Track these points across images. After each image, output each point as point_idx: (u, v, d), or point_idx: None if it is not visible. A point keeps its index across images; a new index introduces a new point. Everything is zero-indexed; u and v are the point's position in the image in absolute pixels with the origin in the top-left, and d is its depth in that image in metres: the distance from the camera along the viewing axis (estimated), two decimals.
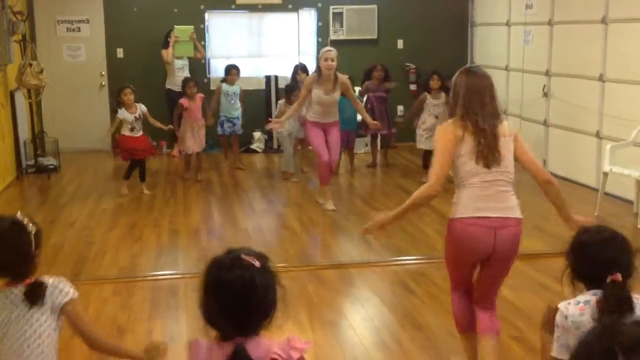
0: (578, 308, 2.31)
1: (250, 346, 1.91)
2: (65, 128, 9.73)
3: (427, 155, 7.21)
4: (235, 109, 9.05)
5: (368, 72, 8.91)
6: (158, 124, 8.04)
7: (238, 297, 1.91)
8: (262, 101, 10.03)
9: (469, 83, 3.39)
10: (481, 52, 10.37)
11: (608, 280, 2.27)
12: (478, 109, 3.32)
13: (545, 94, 8.42)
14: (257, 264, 1.93)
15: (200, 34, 10.04)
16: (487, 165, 3.29)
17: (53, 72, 9.27)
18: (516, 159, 3.38)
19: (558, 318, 2.35)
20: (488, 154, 3.29)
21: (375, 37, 10.23)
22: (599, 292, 2.29)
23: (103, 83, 10.16)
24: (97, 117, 10.07)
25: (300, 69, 8.96)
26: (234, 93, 9.05)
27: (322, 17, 10.43)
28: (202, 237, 6.23)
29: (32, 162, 8.78)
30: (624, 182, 6.73)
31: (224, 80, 9.11)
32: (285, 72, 10.35)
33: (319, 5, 10.37)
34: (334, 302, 4.66)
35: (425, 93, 8.08)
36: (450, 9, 10.37)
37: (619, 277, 2.27)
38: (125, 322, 4.40)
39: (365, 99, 8.74)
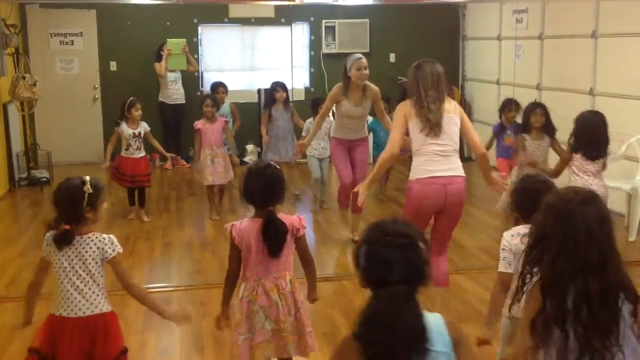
0: (517, 239, 3.00)
1: (274, 213, 3.11)
2: (58, 141, 9.73)
3: None
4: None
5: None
6: (159, 148, 7.32)
7: (269, 183, 3.15)
8: (254, 114, 10.05)
9: (418, 74, 4.21)
10: (473, 66, 10.45)
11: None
12: (425, 93, 4.14)
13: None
14: (276, 168, 3.21)
15: (193, 47, 10.08)
16: (435, 136, 4.12)
17: (46, 85, 9.29)
18: (462, 134, 4.27)
19: (504, 243, 3.08)
20: (434, 127, 4.12)
21: (367, 50, 10.29)
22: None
23: (96, 96, 10.18)
24: (90, 130, 10.09)
25: (279, 86, 7.89)
26: (224, 114, 7.97)
27: (314, 31, 10.50)
28: (196, 250, 6.23)
29: (24, 174, 8.78)
30: (615, 196, 6.78)
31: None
32: None
33: (312, 19, 10.44)
34: (327, 314, 4.66)
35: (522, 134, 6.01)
36: (442, 23, 10.46)
37: None
38: None
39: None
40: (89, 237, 3.05)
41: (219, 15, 10.23)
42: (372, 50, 10.43)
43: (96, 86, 10.16)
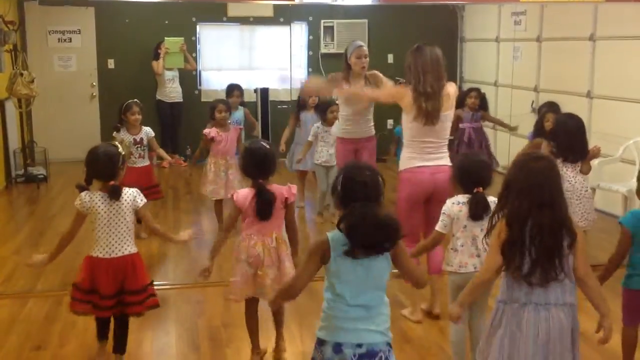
0: (457, 207, 3.61)
1: (268, 186, 3.67)
2: (55, 138, 9.71)
3: None
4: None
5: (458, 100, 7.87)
6: (164, 155, 6.64)
7: (260, 160, 3.71)
8: (252, 114, 10.04)
9: (417, 57, 4.35)
10: (470, 68, 10.47)
11: (475, 190, 3.55)
12: (423, 77, 4.27)
13: (534, 110, 8.49)
14: (268, 146, 3.78)
15: (191, 46, 10.08)
16: (430, 125, 4.29)
17: (44, 82, 9.25)
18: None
19: (444, 208, 3.64)
20: (430, 116, 4.27)
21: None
22: (468, 196, 3.58)
23: (94, 94, 10.17)
24: (87, 128, 10.07)
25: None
26: (238, 120, 7.31)
27: (313, 31, 10.50)
28: (192, 248, 6.21)
29: (21, 171, 8.77)
30: (612, 198, 6.81)
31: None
32: (276, 85, 10.42)
33: (310, 19, 10.44)
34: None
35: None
36: (440, 25, 10.46)
37: (481, 190, 3.56)
38: None
39: (461, 132, 7.41)
40: (123, 191, 3.68)
41: (218, 14, 10.23)
42: (371, 50, 10.28)
43: (94, 84, 10.15)
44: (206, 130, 6.32)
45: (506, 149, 8.01)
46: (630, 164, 6.70)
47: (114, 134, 6.21)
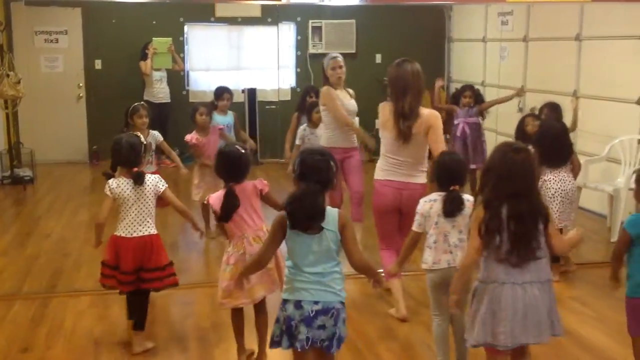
0: (429, 204, 3.66)
1: (236, 187, 3.71)
2: (42, 139, 9.67)
3: None
4: None
5: (453, 97, 7.78)
6: (177, 160, 6.27)
7: (229, 162, 3.75)
8: (240, 115, 10.04)
9: (399, 73, 4.40)
10: (458, 68, 10.51)
11: (450, 188, 3.59)
12: (402, 94, 4.34)
13: (521, 110, 8.52)
14: (242, 150, 3.80)
15: (179, 46, 10.06)
16: (403, 143, 4.36)
17: (30, 83, 9.22)
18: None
19: (418, 207, 3.70)
20: (403, 134, 4.35)
21: (353, 51, 10.32)
22: (443, 194, 3.61)
23: (81, 95, 10.13)
24: (74, 129, 10.05)
25: (315, 92, 7.34)
26: (227, 125, 7.01)
27: (301, 31, 10.51)
28: (181, 249, 6.20)
29: (8, 173, 8.73)
30: (598, 197, 6.85)
31: (213, 109, 6.93)
32: (264, 85, 10.42)
33: (298, 19, 10.44)
34: None
35: None
36: (428, 25, 10.50)
37: (457, 187, 3.59)
38: (102, 334, 4.38)
39: (455, 127, 7.43)
40: (146, 176, 4.03)
41: (206, 14, 10.22)
42: (359, 50, 10.46)
43: (81, 85, 10.12)
44: (187, 137, 6.35)
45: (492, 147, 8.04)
46: (616, 163, 6.75)
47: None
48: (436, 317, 3.74)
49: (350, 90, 5.99)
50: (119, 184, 4.01)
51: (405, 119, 4.36)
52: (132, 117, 5.82)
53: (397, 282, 4.65)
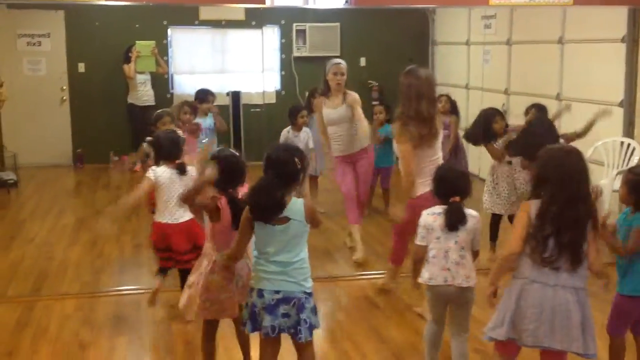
0: (432, 217, 3.56)
1: (235, 194, 3.53)
2: (25, 143, 9.61)
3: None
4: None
5: None
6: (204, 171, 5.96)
7: (229, 167, 3.52)
8: (225, 118, 10.02)
9: (412, 81, 4.39)
10: (442, 71, 10.54)
11: (451, 200, 3.51)
12: (418, 102, 4.34)
13: (505, 112, 8.58)
14: (237, 154, 3.63)
15: (163, 50, 10.02)
16: (429, 147, 4.42)
17: (13, 86, 9.16)
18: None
19: (420, 220, 3.59)
20: (429, 138, 4.40)
21: (338, 54, 10.31)
22: (444, 207, 3.53)
23: (64, 97, 10.07)
24: (57, 132, 9.98)
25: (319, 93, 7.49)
26: (210, 128, 7.02)
27: (285, 34, 10.51)
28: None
29: None
30: None
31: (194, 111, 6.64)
32: (249, 88, 10.42)
33: (282, 22, 10.44)
34: (325, 313, 4.66)
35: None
36: (412, 28, 10.53)
37: (457, 199, 3.52)
38: (88, 337, 4.35)
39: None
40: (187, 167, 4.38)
41: (189, 18, 10.18)
42: (343, 54, 10.42)
43: (64, 88, 10.05)
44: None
45: (476, 152, 8.10)
46: (599, 165, 6.80)
47: (144, 145, 5.58)
48: (430, 322, 3.72)
49: (351, 94, 5.84)
50: (163, 173, 4.37)
51: (425, 122, 4.37)
52: (155, 124, 5.71)
53: (394, 267, 5.01)
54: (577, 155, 3.07)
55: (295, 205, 3.18)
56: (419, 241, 3.61)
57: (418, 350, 4.12)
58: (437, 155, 4.53)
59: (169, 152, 4.42)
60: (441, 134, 4.56)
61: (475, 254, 3.60)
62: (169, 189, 4.37)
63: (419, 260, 3.64)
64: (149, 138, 5.37)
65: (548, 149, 3.13)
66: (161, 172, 4.38)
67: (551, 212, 2.97)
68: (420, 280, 3.62)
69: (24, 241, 6.45)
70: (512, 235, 3.13)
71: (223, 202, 3.49)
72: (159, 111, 5.97)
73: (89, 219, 7.22)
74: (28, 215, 7.44)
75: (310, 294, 3.25)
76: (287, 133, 6.91)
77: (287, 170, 3.17)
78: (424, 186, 4.32)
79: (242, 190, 3.59)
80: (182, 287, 4.28)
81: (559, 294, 3.00)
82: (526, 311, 3.03)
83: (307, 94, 7.62)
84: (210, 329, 3.68)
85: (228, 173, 3.55)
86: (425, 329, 3.75)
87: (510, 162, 5.78)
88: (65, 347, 4.22)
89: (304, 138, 6.85)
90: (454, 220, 3.49)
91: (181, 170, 4.39)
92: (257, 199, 3.15)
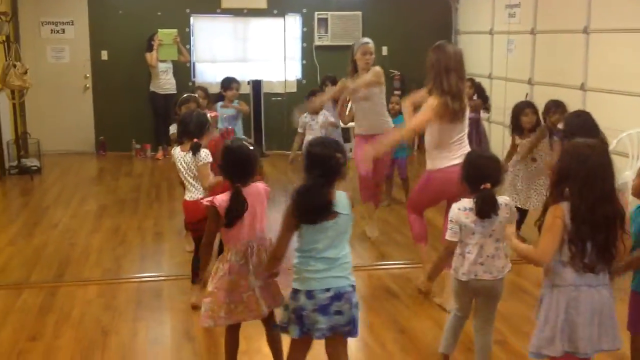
0: (464, 213, 3.38)
1: (251, 186, 3.39)
2: (49, 130, 9.71)
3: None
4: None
5: None
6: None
7: (240, 159, 3.40)
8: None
9: (440, 56, 4.39)
10: (465, 60, 10.45)
11: (482, 187, 3.32)
12: (447, 77, 4.32)
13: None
14: (251, 146, 3.46)
15: (185, 38, 10.05)
16: (457, 123, 4.38)
17: (37, 74, 9.23)
18: None
19: (451, 215, 3.43)
20: (457, 113, 4.35)
21: None
22: (473, 200, 3.33)
23: (87, 85, 10.13)
24: (80, 120, 10.07)
25: (330, 81, 7.59)
26: (232, 116, 7.30)
27: (307, 23, 10.48)
28: (186, 239, 6.21)
29: (15, 163, 8.74)
30: None
31: (218, 100, 7.08)
32: (270, 77, 10.42)
33: (304, 11, 10.42)
34: None
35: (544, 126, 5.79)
36: (434, 17, 10.46)
37: (488, 186, 3.32)
38: (110, 323, 4.39)
39: None
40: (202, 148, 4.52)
41: (211, 6, 10.20)
42: None
43: (87, 75, 10.12)
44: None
45: (500, 141, 8.04)
46: (623, 157, 6.72)
47: (170, 128, 5.84)
48: (457, 313, 3.62)
49: (375, 68, 5.81)
50: (176, 153, 4.57)
51: (454, 98, 4.33)
52: (180, 107, 5.69)
53: (424, 246, 4.86)
54: (602, 150, 2.94)
55: (341, 198, 3.09)
56: (449, 236, 3.45)
57: (437, 339, 4.10)
58: (465, 131, 4.53)
59: (193, 130, 4.52)
60: (467, 110, 4.52)
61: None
62: (184, 168, 4.54)
63: (448, 256, 3.52)
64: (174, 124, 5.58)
65: (572, 143, 3.01)
66: (174, 153, 4.60)
67: (581, 212, 2.82)
68: (454, 274, 3.51)
69: (47, 227, 6.52)
70: (541, 242, 2.90)
71: (218, 200, 3.32)
72: (184, 95, 6.00)
73: (111, 206, 7.29)
74: (51, 201, 7.51)
75: (354, 287, 3.16)
76: (304, 118, 6.95)
77: (330, 167, 3.05)
78: (447, 160, 4.41)
79: (255, 184, 3.42)
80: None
81: (602, 293, 2.92)
82: (578, 319, 2.89)
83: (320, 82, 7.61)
84: (232, 328, 3.53)
85: (237, 164, 3.40)
86: (449, 318, 3.67)
87: (534, 159, 5.74)
88: (88, 333, 4.26)
89: (322, 120, 6.88)
90: (486, 209, 3.34)
91: (195, 149, 4.46)
92: (304, 201, 3.02)
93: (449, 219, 3.48)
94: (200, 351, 4.06)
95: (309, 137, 6.81)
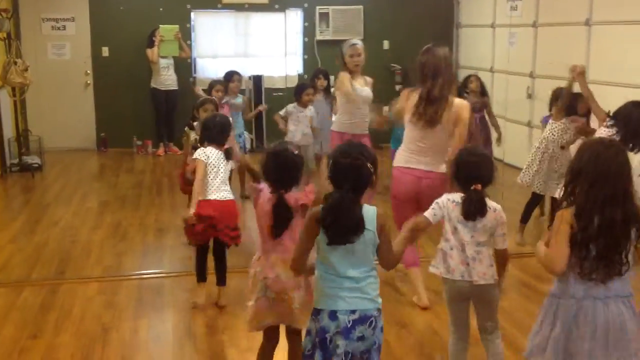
0: (452, 205, 3.27)
1: (286, 196, 3.19)
2: (50, 127, 9.70)
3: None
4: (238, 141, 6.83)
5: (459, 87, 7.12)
6: (250, 166, 4.67)
7: (284, 164, 3.20)
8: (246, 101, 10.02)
9: (428, 59, 4.30)
10: (466, 54, 10.43)
11: (472, 187, 3.19)
12: (431, 81, 4.23)
13: (530, 96, 8.48)
14: (296, 151, 3.26)
15: (186, 33, 10.03)
16: (424, 128, 4.25)
17: (38, 71, 9.23)
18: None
19: (438, 199, 3.30)
20: (429, 121, 4.22)
21: (361, 37, 10.20)
22: (465, 195, 3.23)
23: (88, 82, 10.12)
24: (81, 116, 10.06)
25: (322, 74, 7.34)
26: (239, 105, 7.38)
27: (308, 17, 10.45)
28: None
29: (16, 160, 8.74)
30: None
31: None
32: (271, 72, 10.39)
33: (305, 5, 10.39)
34: None
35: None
36: (436, 10, 10.42)
37: (479, 187, 3.20)
38: (111, 320, 4.38)
39: None
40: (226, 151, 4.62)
41: (212, 1, 10.18)
42: (366, 37, 10.35)
43: (88, 72, 10.10)
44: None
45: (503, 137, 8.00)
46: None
47: (186, 129, 5.74)
48: (452, 335, 3.40)
49: (368, 78, 5.96)
50: (212, 152, 4.53)
51: (432, 103, 4.22)
52: (197, 110, 5.63)
53: (417, 270, 4.61)
54: (617, 149, 2.74)
55: (369, 213, 2.76)
56: (428, 215, 3.28)
57: (440, 336, 4.10)
58: (427, 146, 4.31)
59: (217, 136, 4.57)
60: (445, 129, 4.25)
61: (501, 254, 3.28)
62: (218, 169, 4.52)
63: (416, 230, 3.22)
64: (192, 123, 5.67)
65: (587, 140, 2.91)
66: (210, 153, 4.52)
67: (587, 212, 2.66)
68: (434, 270, 3.35)
69: (48, 224, 6.51)
70: (553, 250, 2.75)
71: (264, 193, 3.25)
72: (202, 98, 6.06)
73: (112, 202, 7.28)
74: (52, 199, 7.51)
75: (380, 311, 2.85)
76: (292, 108, 6.96)
77: (362, 178, 2.74)
78: (401, 158, 4.44)
79: (301, 194, 3.24)
80: (216, 263, 4.64)
81: (611, 306, 2.73)
82: (577, 332, 2.74)
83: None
84: (269, 341, 3.39)
85: (283, 172, 3.21)
86: (449, 344, 3.44)
87: (563, 147, 5.72)
88: (89, 330, 4.26)
89: (309, 114, 6.88)
90: (472, 210, 3.19)
91: (228, 156, 4.58)
92: (335, 219, 2.70)
93: (436, 200, 3.33)
94: (202, 348, 4.05)
95: (292, 128, 6.85)
